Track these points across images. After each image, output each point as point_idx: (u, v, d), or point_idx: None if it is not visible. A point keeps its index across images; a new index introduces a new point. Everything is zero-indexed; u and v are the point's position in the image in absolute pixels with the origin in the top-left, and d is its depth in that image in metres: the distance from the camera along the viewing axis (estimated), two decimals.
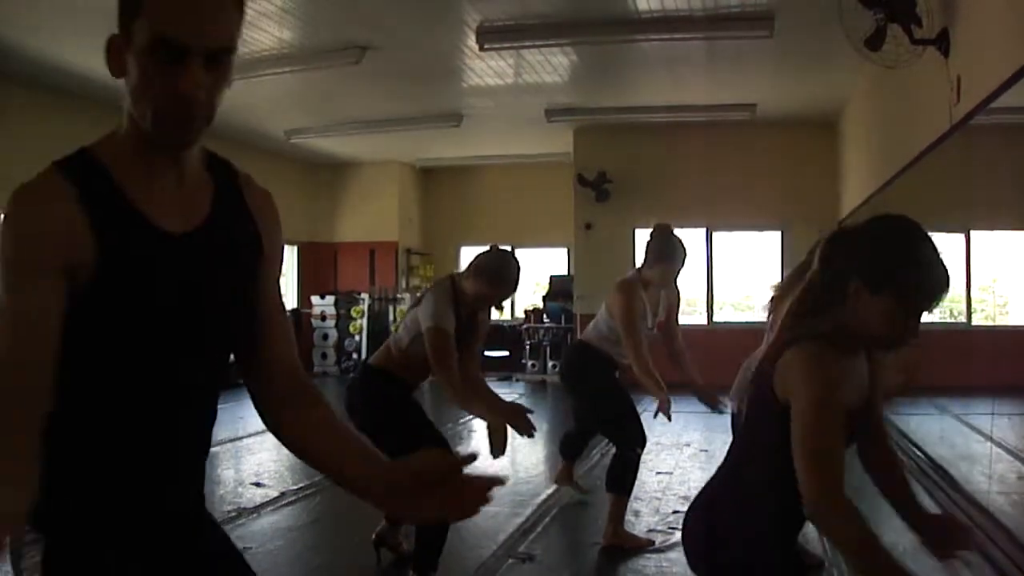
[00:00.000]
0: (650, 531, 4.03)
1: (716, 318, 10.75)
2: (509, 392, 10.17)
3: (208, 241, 1.19)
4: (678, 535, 3.88)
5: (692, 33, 6.74)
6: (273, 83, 7.86)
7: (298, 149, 11.20)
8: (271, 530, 4.02)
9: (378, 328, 11.46)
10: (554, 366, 10.88)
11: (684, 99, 9.14)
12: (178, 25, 1.05)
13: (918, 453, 5.55)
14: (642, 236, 12.05)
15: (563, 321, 11.09)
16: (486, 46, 6.97)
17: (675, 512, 4.37)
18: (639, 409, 4.18)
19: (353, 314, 11.86)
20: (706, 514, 1.87)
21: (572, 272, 11.67)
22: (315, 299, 11.96)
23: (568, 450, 4.70)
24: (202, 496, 1.29)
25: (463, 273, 3.34)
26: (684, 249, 4.05)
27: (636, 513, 4.39)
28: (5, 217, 1.12)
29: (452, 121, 9.80)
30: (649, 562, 3.59)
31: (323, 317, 11.97)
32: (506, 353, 11.76)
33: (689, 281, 11.34)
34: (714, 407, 3.92)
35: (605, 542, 3.82)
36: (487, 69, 8.01)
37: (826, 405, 1.60)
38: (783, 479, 1.62)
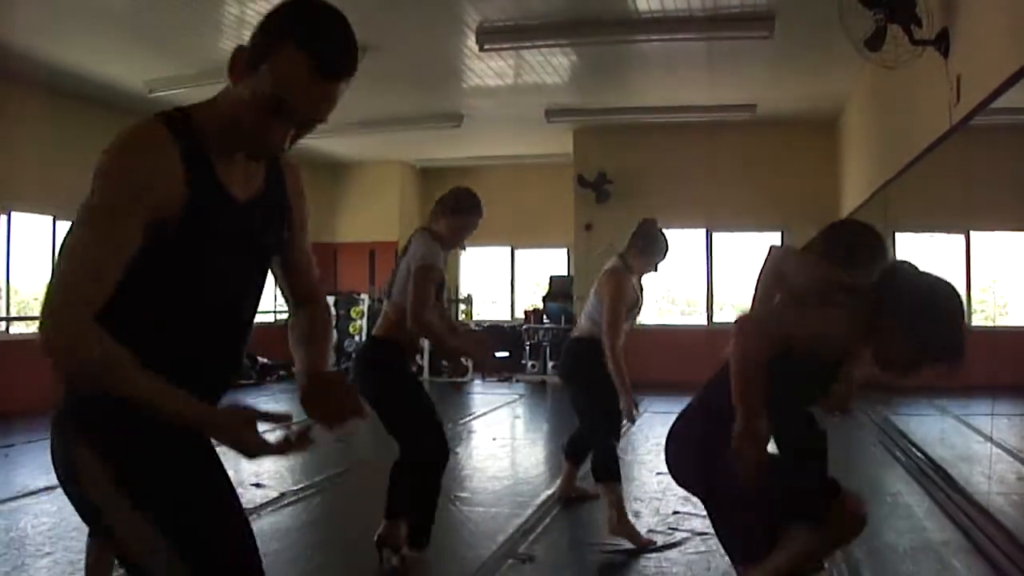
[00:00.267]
0: (650, 531, 4.03)
1: (716, 319, 10.74)
2: (509, 392, 10.18)
3: (260, 208, 1.47)
4: (678, 535, 3.91)
5: (692, 33, 6.74)
6: None
7: (298, 149, 11.06)
8: (271, 530, 4.02)
9: None
10: (554, 366, 10.87)
11: (684, 99, 9.14)
12: (295, 96, 1.29)
13: (918, 453, 5.56)
14: None
15: (563, 321, 11.08)
16: (486, 46, 6.97)
17: (675, 512, 4.37)
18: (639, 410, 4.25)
19: (353, 314, 11.86)
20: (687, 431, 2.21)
21: (572, 272, 11.67)
22: None
23: (573, 451, 4.69)
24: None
25: (430, 220, 3.62)
26: (667, 245, 4.26)
27: (636, 513, 4.39)
28: (111, 153, 1.29)
29: (452, 121, 9.80)
30: (649, 562, 3.59)
31: None
32: (506, 353, 11.75)
33: (689, 281, 11.36)
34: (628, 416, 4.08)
35: (609, 530, 3.86)
36: (487, 69, 8.02)
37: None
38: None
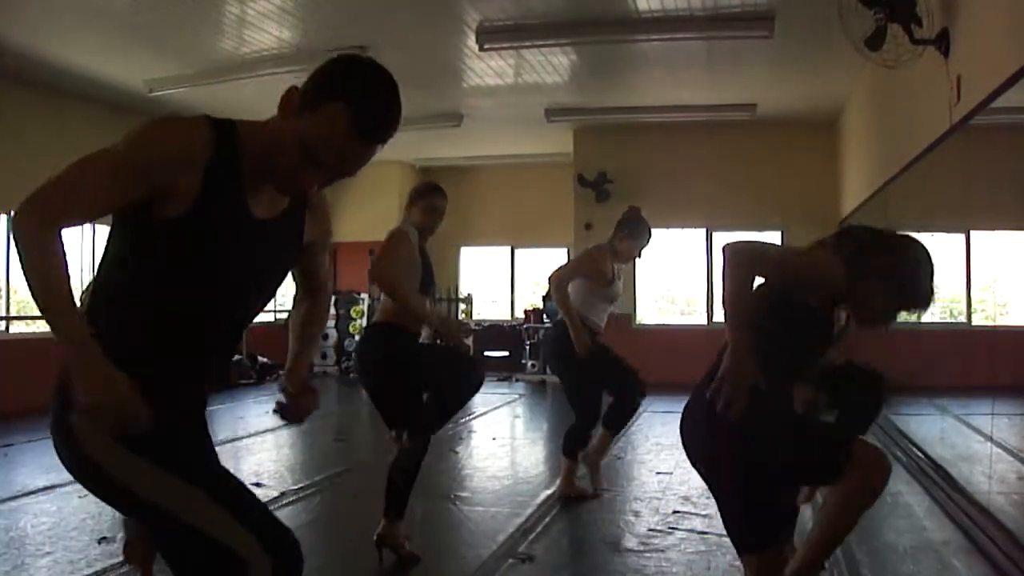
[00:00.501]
0: (650, 531, 4.03)
1: (716, 318, 10.74)
2: (509, 392, 10.18)
3: (276, 228, 1.54)
4: (678, 535, 3.91)
5: (692, 33, 6.74)
6: (273, 83, 7.86)
7: None
8: None
9: None
10: (552, 367, 10.87)
11: (684, 99, 9.14)
12: (334, 151, 1.38)
13: (918, 453, 5.56)
14: None
15: None
16: (486, 46, 6.97)
17: (675, 512, 4.36)
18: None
19: (353, 314, 11.86)
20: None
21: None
22: None
23: (571, 446, 4.69)
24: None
25: (404, 217, 3.83)
26: (650, 232, 4.58)
27: (636, 513, 4.39)
28: (150, 123, 1.38)
29: (452, 121, 9.80)
30: (649, 562, 3.59)
31: None
32: (506, 353, 11.75)
33: (689, 281, 11.36)
34: None
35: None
36: (487, 69, 8.01)
37: None
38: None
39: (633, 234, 4.51)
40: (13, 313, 8.57)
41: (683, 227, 10.70)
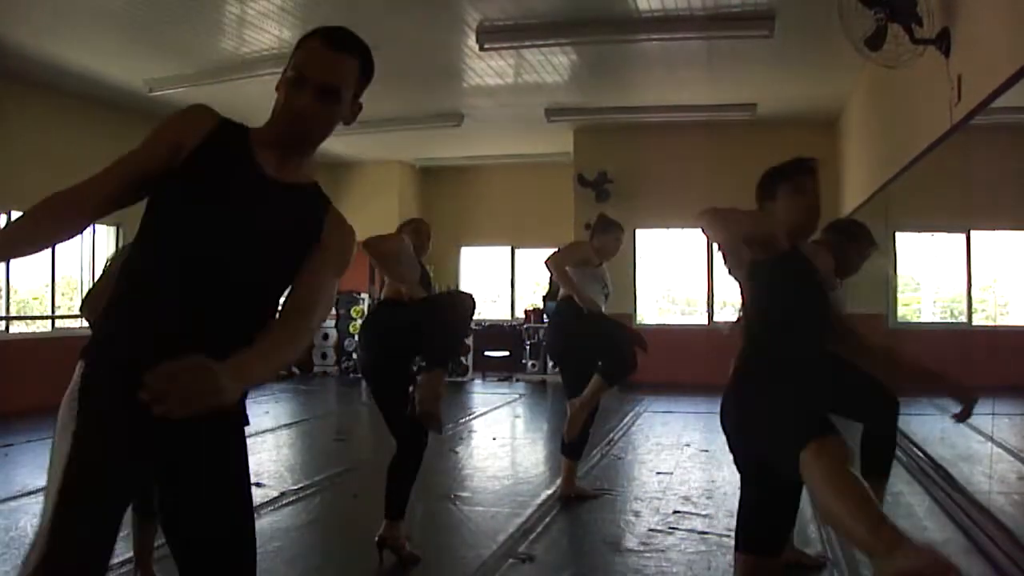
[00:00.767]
0: (650, 531, 4.03)
1: (716, 318, 10.74)
2: (509, 392, 10.18)
3: (283, 193, 1.59)
4: (679, 535, 3.91)
5: (692, 33, 6.73)
6: (273, 83, 7.84)
7: None
8: (271, 530, 4.02)
9: None
10: (554, 366, 10.86)
11: (684, 99, 9.13)
12: (310, 65, 1.59)
13: (918, 453, 5.55)
14: (642, 236, 12.04)
15: None
16: (486, 46, 6.96)
17: (675, 512, 4.36)
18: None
19: (353, 314, 11.86)
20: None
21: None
22: None
23: (570, 447, 4.69)
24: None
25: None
26: (618, 225, 4.96)
27: (636, 513, 4.39)
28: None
29: (452, 121, 9.80)
30: (649, 562, 3.59)
31: None
32: (506, 353, 11.75)
33: (689, 281, 11.36)
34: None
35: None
36: (487, 69, 8.01)
37: None
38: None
39: (602, 230, 4.90)
40: (13, 313, 8.57)
41: (683, 227, 10.70)
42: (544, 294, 11.91)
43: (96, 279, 3.31)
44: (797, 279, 2.28)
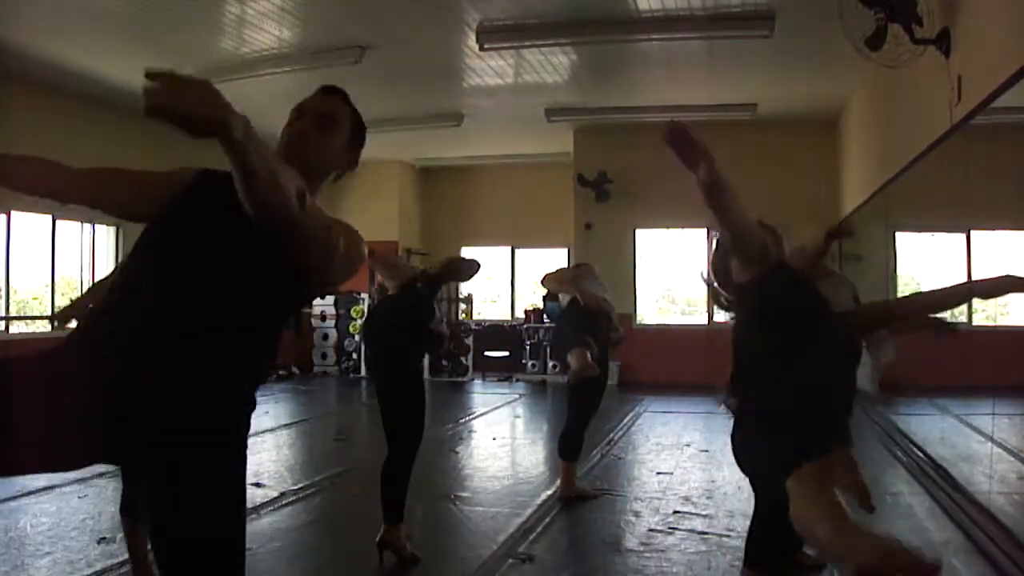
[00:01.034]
0: (650, 531, 4.03)
1: (716, 318, 10.73)
2: (509, 392, 10.17)
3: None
4: (678, 535, 3.91)
5: (692, 33, 6.73)
6: (273, 83, 7.86)
7: None
8: (271, 530, 4.02)
9: None
10: (554, 366, 10.87)
11: (684, 99, 9.13)
12: (307, 103, 1.83)
13: (919, 453, 5.55)
14: (642, 236, 12.02)
15: None
16: (486, 46, 6.96)
17: (675, 512, 4.36)
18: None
19: (353, 314, 11.86)
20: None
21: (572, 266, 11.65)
22: (315, 299, 11.96)
23: (567, 449, 4.69)
24: (189, 410, 1.49)
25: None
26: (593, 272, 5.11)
27: (636, 513, 4.39)
28: None
29: (452, 121, 9.79)
30: (649, 562, 3.59)
31: (323, 317, 11.98)
32: (506, 353, 11.75)
33: (689, 281, 11.35)
34: None
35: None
36: (487, 69, 8.01)
37: None
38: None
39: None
40: (13, 313, 8.57)
41: (684, 227, 10.70)
42: (544, 294, 11.93)
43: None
44: (794, 304, 2.19)
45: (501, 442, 6.93)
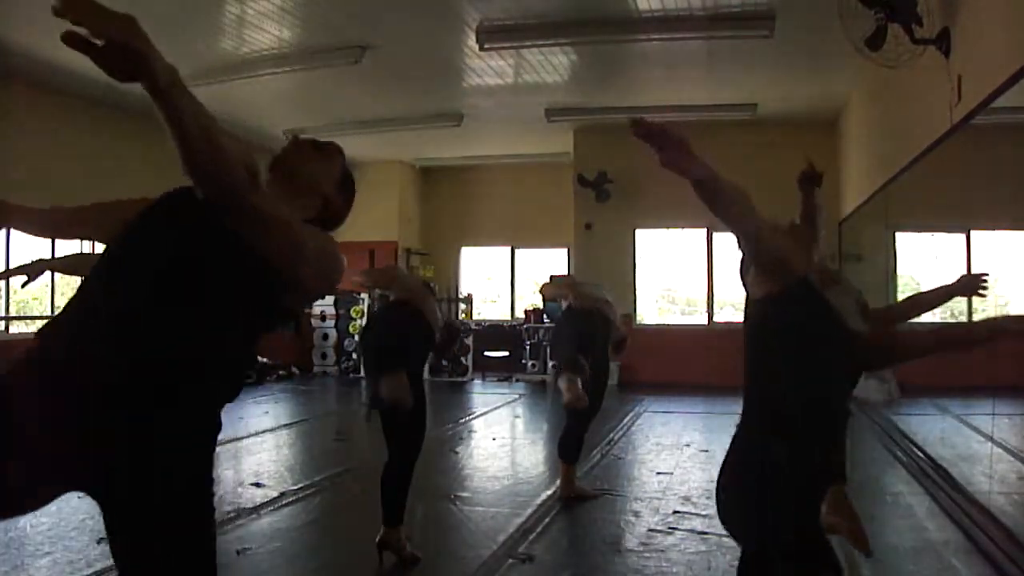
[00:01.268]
0: (650, 531, 4.03)
1: (716, 318, 10.74)
2: (509, 392, 10.17)
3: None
4: (678, 535, 3.90)
5: (692, 33, 6.73)
6: (273, 83, 7.86)
7: None
8: (271, 530, 4.02)
9: None
10: (554, 366, 10.85)
11: (684, 99, 9.13)
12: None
13: (919, 453, 5.55)
14: (642, 236, 12.03)
15: None
16: (486, 46, 6.96)
17: (675, 512, 4.36)
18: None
19: (353, 314, 11.86)
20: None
21: (572, 272, 11.65)
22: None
23: (566, 451, 4.69)
24: (139, 417, 1.42)
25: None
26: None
27: (636, 513, 4.39)
28: None
29: (452, 121, 9.79)
30: (649, 562, 3.59)
31: (323, 317, 11.98)
32: (506, 353, 11.75)
33: (689, 281, 11.35)
34: None
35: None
36: (487, 69, 8.01)
37: None
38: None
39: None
40: (12, 313, 8.57)
41: (684, 227, 10.70)
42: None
43: None
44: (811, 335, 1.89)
45: (501, 442, 6.93)
